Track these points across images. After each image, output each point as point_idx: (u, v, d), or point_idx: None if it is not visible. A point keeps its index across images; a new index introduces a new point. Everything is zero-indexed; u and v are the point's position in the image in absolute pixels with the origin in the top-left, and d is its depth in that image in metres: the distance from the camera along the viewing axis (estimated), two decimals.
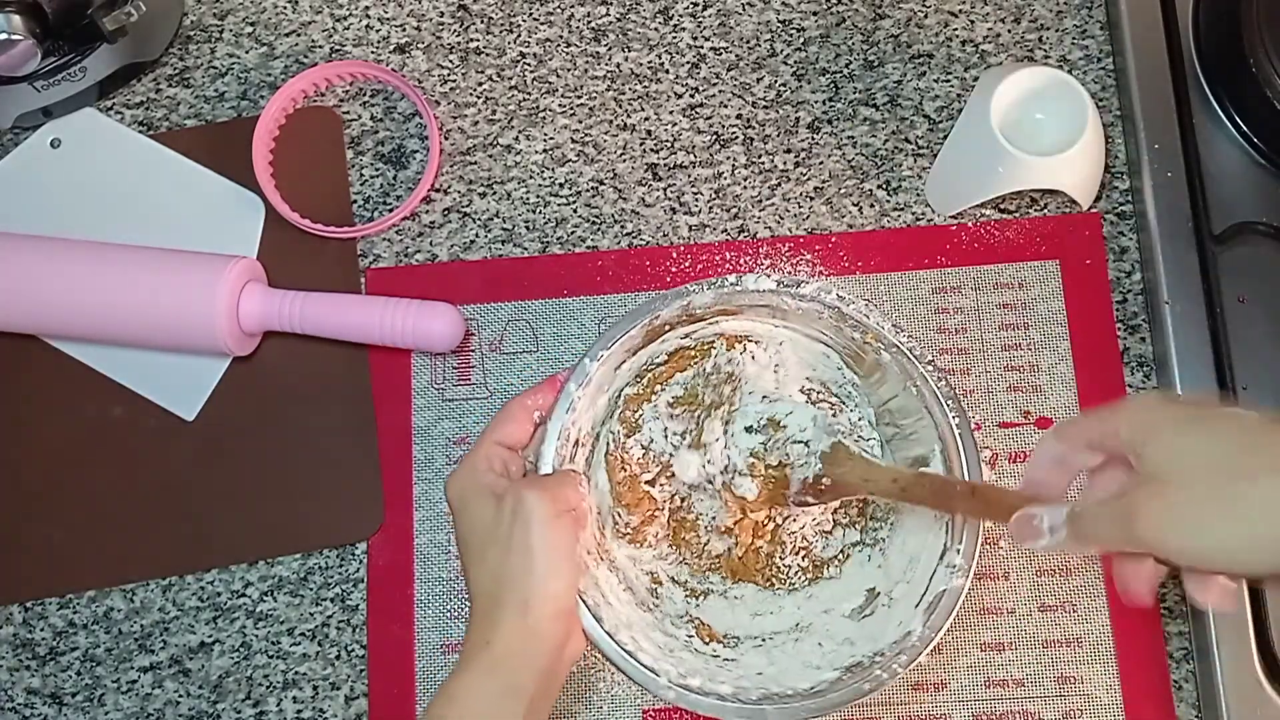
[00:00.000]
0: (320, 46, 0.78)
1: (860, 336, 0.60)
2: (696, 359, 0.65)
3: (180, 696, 0.68)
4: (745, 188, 0.75)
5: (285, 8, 0.78)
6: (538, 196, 0.75)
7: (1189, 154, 0.72)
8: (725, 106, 0.76)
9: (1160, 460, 0.45)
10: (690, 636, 0.61)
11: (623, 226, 0.74)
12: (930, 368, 0.58)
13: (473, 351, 0.72)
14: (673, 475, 0.64)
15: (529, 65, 0.77)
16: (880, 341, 0.59)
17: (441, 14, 0.78)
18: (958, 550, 0.57)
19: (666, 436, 0.64)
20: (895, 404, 0.62)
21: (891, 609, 0.59)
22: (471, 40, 0.78)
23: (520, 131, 0.76)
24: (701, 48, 0.77)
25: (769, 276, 0.59)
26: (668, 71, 0.77)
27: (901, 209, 0.74)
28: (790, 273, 0.72)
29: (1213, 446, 0.45)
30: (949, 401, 0.58)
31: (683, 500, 0.64)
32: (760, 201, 0.74)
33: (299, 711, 0.67)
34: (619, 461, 0.64)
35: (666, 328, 0.61)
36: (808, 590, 0.63)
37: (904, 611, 0.58)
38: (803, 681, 0.57)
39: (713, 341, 0.65)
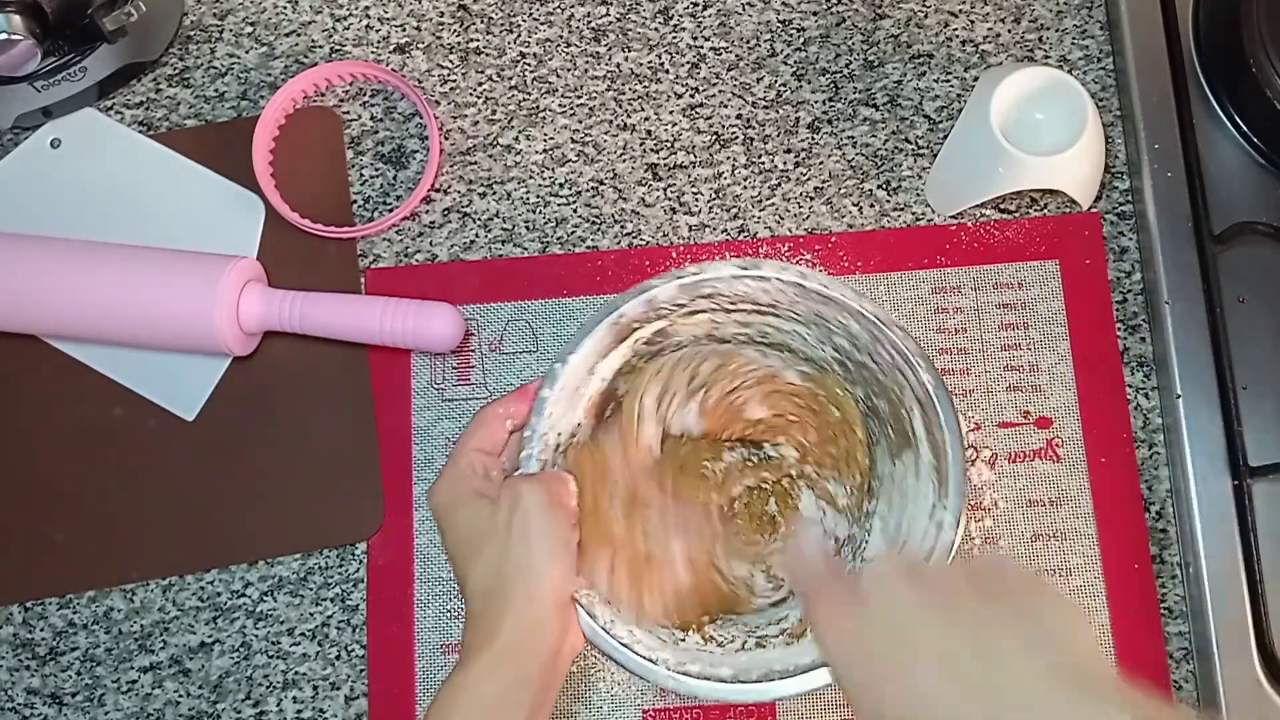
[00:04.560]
0: (320, 46, 0.78)
1: (827, 309, 0.59)
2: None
3: (180, 696, 0.68)
4: (745, 188, 0.75)
5: (285, 8, 0.78)
6: (538, 196, 0.75)
7: (1189, 154, 0.72)
8: (725, 106, 0.76)
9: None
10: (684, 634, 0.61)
11: (623, 226, 0.74)
12: (899, 330, 0.58)
13: (473, 351, 0.72)
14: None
15: (529, 65, 0.77)
16: (847, 312, 0.59)
17: (441, 14, 0.78)
18: (944, 505, 0.57)
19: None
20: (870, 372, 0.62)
21: None
22: (471, 40, 0.78)
23: (520, 131, 0.76)
24: (701, 48, 0.77)
25: (727, 262, 0.58)
26: (668, 71, 0.77)
27: (901, 209, 0.74)
28: None
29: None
30: (920, 360, 0.57)
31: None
32: (760, 201, 0.74)
33: (299, 711, 0.68)
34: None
35: (635, 325, 0.61)
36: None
37: None
38: (804, 657, 0.57)
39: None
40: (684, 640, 0.59)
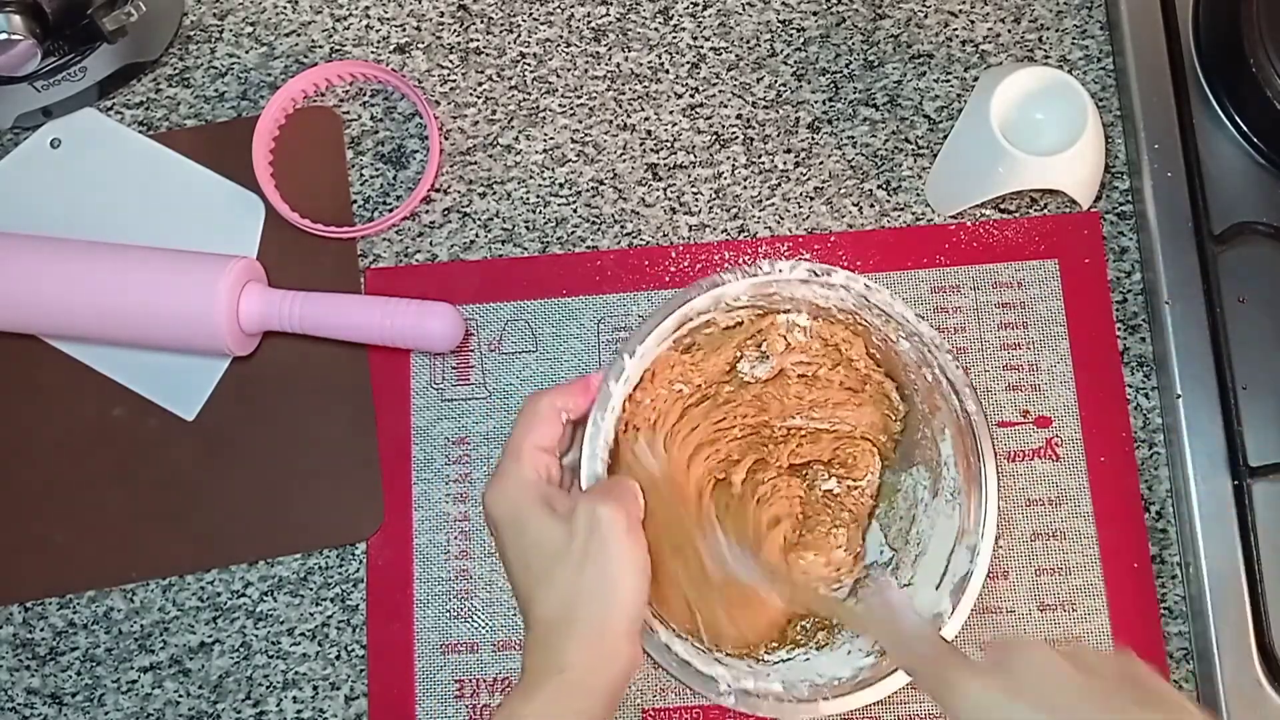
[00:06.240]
0: (320, 46, 0.78)
1: (882, 324, 0.60)
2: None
3: (180, 696, 0.68)
4: (745, 188, 0.75)
5: (285, 8, 0.78)
6: (538, 196, 0.75)
7: (1189, 154, 0.72)
8: (725, 106, 0.76)
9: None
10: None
11: (623, 226, 0.74)
12: (949, 355, 0.58)
13: (472, 351, 0.72)
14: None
15: (529, 65, 0.77)
16: (902, 329, 0.59)
17: (441, 14, 0.78)
18: (980, 534, 0.57)
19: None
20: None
21: (912, 589, 0.60)
22: (471, 40, 0.78)
23: (520, 131, 0.76)
24: (701, 48, 0.77)
25: (802, 264, 0.59)
26: (668, 71, 0.77)
27: (901, 209, 0.74)
28: None
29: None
30: (966, 389, 0.58)
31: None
32: (760, 201, 0.74)
33: (299, 711, 0.68)
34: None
35: (689, 319, 0.60)
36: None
37: (925, 592, 0.58)
38: (843, 670, 0.57)
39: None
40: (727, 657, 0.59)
